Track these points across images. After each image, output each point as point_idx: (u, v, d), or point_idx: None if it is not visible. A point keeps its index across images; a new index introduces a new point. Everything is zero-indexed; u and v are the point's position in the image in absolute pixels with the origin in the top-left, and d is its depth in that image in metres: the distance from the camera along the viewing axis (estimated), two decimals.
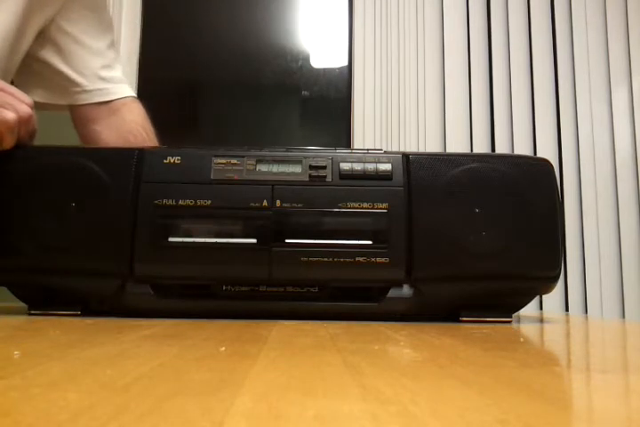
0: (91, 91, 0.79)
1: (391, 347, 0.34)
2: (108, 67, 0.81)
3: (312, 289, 0.53)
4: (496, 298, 0.54)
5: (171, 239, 0.52)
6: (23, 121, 0.56)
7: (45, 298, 0.53)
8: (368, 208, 0.53)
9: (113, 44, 0.84)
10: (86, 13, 0.78)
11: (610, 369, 0.28)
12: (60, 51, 0.77)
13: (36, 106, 0.61)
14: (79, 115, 0.81)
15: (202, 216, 0.53)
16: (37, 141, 0.60)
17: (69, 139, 0.82)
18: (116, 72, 0.83)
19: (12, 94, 0.56)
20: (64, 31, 0.76)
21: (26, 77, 0.77)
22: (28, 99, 0.57)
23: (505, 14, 1.71)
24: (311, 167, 0.54)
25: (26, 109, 0.56)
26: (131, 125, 0.81)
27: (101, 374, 0.22)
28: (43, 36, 0.75)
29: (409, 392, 0.19)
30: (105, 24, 0.82)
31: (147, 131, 0.83)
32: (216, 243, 0.52)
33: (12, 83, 0.73)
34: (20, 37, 0.70)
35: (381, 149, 0.56)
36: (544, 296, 1.52)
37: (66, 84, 0.78)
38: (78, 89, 0.78)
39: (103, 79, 0.80)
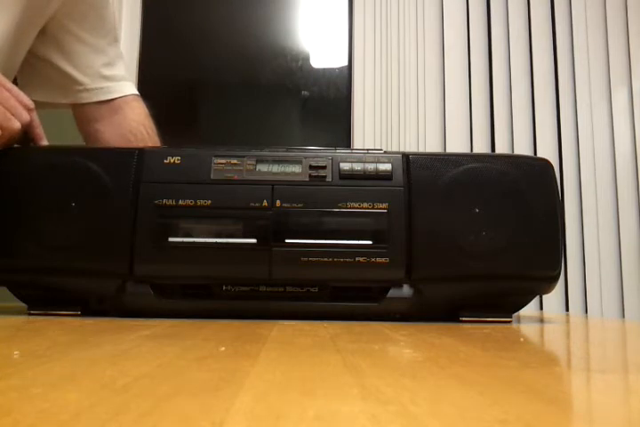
0: (92, 89, 0.78)
1: (391, 347, 0.34)
2: (109, 64, 0.80)
3: (312, 289, 0.53)
4: (496, 298, 0.54)
5: (171, 239, 0.52)
6: (23, 129, 0.57)
7: (45, 298, 0.53)
8: (368, 208, 0.53)
9: (116, 41, 0.83)
10: (88, 11, 0.77)
11: (610, 369, 0.28)
12: (61, 49, 0.76)
13: (38, 105, 0.61)
14: (81, 114, 0.81)
15: (202, 216, 0.53)
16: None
17: (71, 138, 0.81)
18: (118, 70, 0.82)
19: (16, 97, 0.57)
20: (66, 29, 0.76)
21: (28, 77, 0.77)
22: (29, 102, 0.58)
23: (505, 14, 1.71)
24: (311, 167, 0.54)
25: (26, 117, 0.57)
26: (132, 124, 0.81)
27: (101, 374, 0.22)
28: (44, 34, 0.75)
29: (409, 392, 0.19)
30: (107, 21, 0.81)
31: (148, 130, 0.82)
32: (216, 243, 0.52)
33: (14, 81, 0.73)
34: (20, 38, 0.70)
35: (381, 149, 0.56)
36: (544, 296, 1.52)
37: (68, 82, 0.78)
38: (80, 88, 0.78)
39: (105, 77, 0.79)
